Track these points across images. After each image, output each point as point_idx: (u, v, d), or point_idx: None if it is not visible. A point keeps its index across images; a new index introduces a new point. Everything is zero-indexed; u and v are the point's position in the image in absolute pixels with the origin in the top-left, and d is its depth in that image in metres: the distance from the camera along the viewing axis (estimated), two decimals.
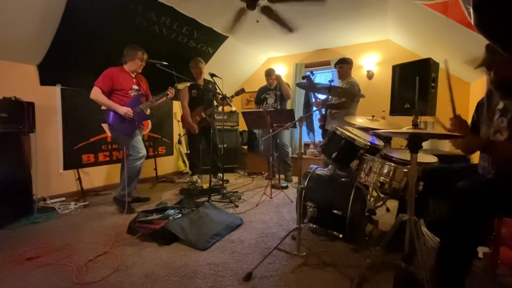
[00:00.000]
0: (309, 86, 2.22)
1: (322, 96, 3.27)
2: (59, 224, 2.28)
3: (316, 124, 3.74)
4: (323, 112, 3.16)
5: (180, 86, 2.88)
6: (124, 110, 2.50)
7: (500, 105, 1.28)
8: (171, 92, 2.75)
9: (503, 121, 1.24)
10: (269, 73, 3.81)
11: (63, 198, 2.89)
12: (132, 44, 2.64)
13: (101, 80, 2.47)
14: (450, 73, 1.39)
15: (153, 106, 2.73)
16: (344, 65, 3.13)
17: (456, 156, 2.71)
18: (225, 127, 4.49)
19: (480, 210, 1.12)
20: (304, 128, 4.17)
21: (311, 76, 2.57)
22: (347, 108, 3.03)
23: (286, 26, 3.16)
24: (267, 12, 2.91)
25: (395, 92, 2.38)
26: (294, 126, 3.32)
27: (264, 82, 3.96)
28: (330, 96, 3.03)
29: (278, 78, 3.73)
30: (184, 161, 4.28)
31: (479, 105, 1.48)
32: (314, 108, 3.53)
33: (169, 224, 1.97)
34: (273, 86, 3.83)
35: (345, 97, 2.92)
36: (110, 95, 2.51)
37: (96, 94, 2.45)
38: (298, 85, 2.10)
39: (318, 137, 3.95)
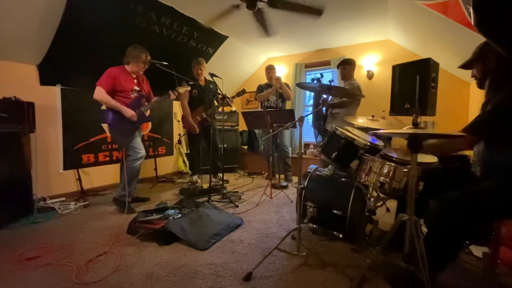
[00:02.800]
0: (310, 86, 2.22)
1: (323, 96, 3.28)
2: (59, 224, 2.28)
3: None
4: (323, 112, 3.17)
5: (181, 90, 2.89)
6: (130, 113, 2.50)
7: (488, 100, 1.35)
8: (173, 95, 2.77)
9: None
10: (269, 68, 3.79)
11: (63, 198, 2.89)
12: (136, 45, 2.62)
13: (104, 80, 2.45)
14: None
15: (153, 108, 2.73)
16: (347, 66, 3.13)
17: (455, 156, 2.71)
18: (225, 127, 4.49)
19: (460, 224, 1.19)
20: (305, 129, 4.16)
21: (321, 79, 2.55)
22: (347, 107, 3.03)
23: (312, 11, 2.92)
24: (280, 5, 2.74)
25: (395, 92, 2.38)
26: (294, 126, 3.32)
27: (263, 81, 3.96)
28: (331, 97, 3.05)
29: (278, 81, 3.67)
30: (184, 161, 4.28)
31: None
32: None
33: (169, 224, 1.97)
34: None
35: (346, 97, 2.93)
36: (112, 97, 2.49)
37: (101, 94, 2.42)
38: (298, 85, 2.11)
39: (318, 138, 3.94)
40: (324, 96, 3.23)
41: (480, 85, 1.40)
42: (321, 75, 2.43)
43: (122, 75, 2.56)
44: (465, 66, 1.42)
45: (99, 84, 2.44)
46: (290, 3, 2.77)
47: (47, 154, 2.89)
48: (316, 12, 2.93)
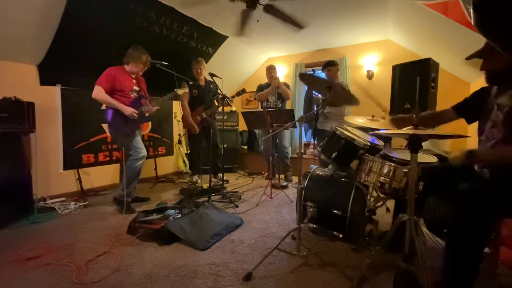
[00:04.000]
0: (310, 80, 2.21)
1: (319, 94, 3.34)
2: (59, 224, 2.28)
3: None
4: (315, 112, 3.22)
5: (180, 91, 2.87)
6: (129, 111, 2.49)
7: (498, 100, 1.28)
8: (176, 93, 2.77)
9: (499, 116, 1.25)
10: (270, 67, 3.80)
11: (63, 198, 2.89)
12: (136, 46, 2.62)
13: (103, 80, 2.45)
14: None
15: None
16: (331, 67, 3.23)
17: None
18: (225, 127, 4.49)
19: (486, 212, 1.12)
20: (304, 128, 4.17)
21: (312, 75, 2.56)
22: (338, 106, 3.14)
23: (295, 23, 3.07)
24: (272, 11, 2.84)
25: (395, 92, 2.38)
26: (294, 126, 3.32)
27: (263, 81, 3.96)
28: (320, 96, 3.15)
29: (276, 80, 3.67)
30: (184, 161, 4.28)
31: (486, 91, 1.42)
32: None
33: (169, 224, 1.97)
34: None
35: (344, 96, 2.96)
36: (111, 96, 2.49)
37: (99, 93, 2.43)
38: (301, 75, 2.08)
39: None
40: (320, 96, 3.30)
41: (491, 80, 1.28)
42: (313, 71, 2.50)
43: (121, 75, 2.56)
44: (480, 55, 1.26)
45: (98, 83, 2.44)
46: (280, 12, 2.85)
47: (47, 154, 2.89)
48: (299, 26, 3.09)
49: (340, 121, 3.14)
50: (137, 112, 2.53)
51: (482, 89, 1.45)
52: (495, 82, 1.30)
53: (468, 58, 1.30)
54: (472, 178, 1.32)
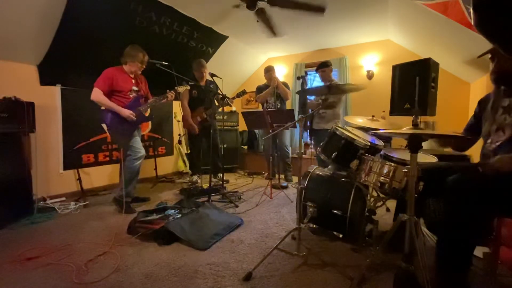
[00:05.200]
0: (304, 89, 2.21)
1: (312, 97, 3.40)
2: (59, 224, 2.28)
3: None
4: (313, 112, 3.27)
5: (181, 89, 2.87)
6: (127, 113, 2.49)
7: (505, 102, 1.27)
8: (171, 95, 2.73)
9: (506, 118, 1.24)
10: (268, 69, 3.80)
11: (63, 198, 2.89)
12: (133, 45, 2.62)
13: (101, 81, 2.45)
14: None
15: (152, 108, 2.72)
16: (325, 68, 3.28)
17: (456, 156, 2.70)
18: (225, 127, 4.49)
19: (472, 200, 1.11)
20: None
21: (305, 77, 2.58)
22: (335, 107, 3.23)
23: (272, 30, 3.06)
24: (278, 2, 2.73)
25: (395, 92, 2.38)
26: (294, 126, 3.33)
27: (264, 81, 3.96)
28: (313, 97, 3.21)
29: (274, 79, 3.68)
30: (184, 161, 4.28)
31: (483, 102, 1.45)
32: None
33: (169, 224, 1.97)
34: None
35: (345, 90, 3.00)
36: (110, 97, 2.49)
37: (97, 95, 2.43)
38: (298, 93, 2.08)
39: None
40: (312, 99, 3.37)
41: (499, 81, 1.24)
42: (306, 73, 2.49)
43: (120, 75, 2.55)
44: (492, 53, 1.21)
45: (96, 85, 2.44)
46: (291, 1, 2.75)
47: (47, 154, 2.89)
48: (318, 9, 2.83)
49: (335, 120, 3.19)
50: (134, 114, 2.53)
51: (479, 102, 1.48)
52: (503, 83, 1.27)
53: (480, 56, 1.28)
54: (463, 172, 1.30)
